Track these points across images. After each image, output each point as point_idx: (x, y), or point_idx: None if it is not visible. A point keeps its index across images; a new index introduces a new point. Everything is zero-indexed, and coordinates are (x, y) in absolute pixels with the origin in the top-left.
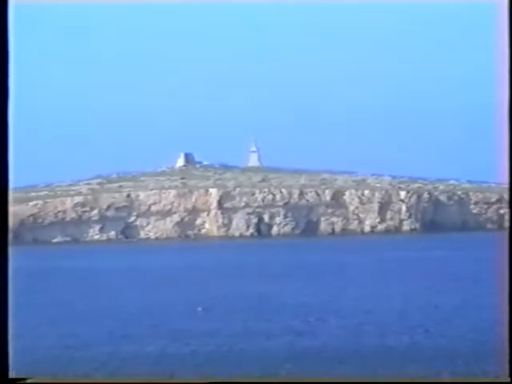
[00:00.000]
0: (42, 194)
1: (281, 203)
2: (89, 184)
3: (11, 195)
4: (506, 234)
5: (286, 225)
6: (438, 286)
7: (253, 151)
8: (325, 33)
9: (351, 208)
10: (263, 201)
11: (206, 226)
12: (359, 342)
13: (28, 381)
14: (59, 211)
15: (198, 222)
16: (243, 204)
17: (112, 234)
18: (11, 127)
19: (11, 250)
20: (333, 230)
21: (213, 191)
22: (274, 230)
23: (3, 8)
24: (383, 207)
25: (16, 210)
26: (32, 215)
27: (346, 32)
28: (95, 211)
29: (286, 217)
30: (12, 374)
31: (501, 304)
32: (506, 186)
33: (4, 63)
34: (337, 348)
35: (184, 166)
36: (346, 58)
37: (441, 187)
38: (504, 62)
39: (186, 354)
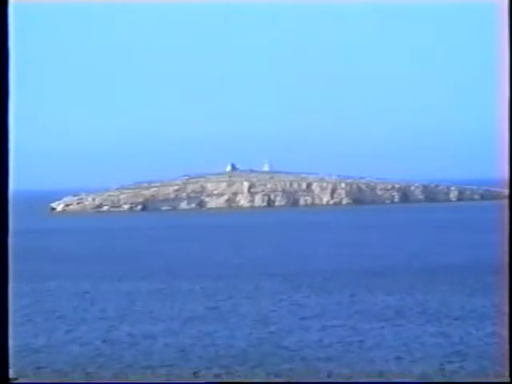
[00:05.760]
0: (157, 184)
1: (280, 190)
2: (180, 179)
3: (145, 185)
4: (390, 206)
5: (282, 201)
6: (375, 234)
7: (265, 162)
8: (306, 39)
9: (316, 192)
10: (271, 188)
11: (241, 201)
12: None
13: (24, 380)
14: (165, 193)
15: (237, 199)
16: (261, 190)
17: (193, 205)
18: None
19: (145, 216)
20: (306, 204)
21: (245, 183)
22: (276, 204)
23: (3, 8)
24: (333, 192)
25: (145, 193)
26: (152, 195)
27: (341, 34)
28: (184, 194)
29: (282, 197)
30: None
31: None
32: (394, 180)
33: (4, 64)
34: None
35: (230, 170)
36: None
37: (362, 181)
38: (504, 62)
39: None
